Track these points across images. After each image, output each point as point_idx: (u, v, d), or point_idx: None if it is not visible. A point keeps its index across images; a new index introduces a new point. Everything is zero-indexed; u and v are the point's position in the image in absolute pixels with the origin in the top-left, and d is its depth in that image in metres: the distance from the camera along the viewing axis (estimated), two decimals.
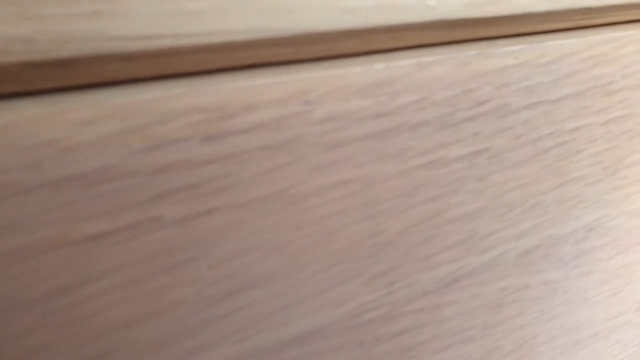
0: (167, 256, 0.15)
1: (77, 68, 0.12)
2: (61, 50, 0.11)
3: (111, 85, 0.13)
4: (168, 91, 0.13)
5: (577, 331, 0.26)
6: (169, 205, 0.14)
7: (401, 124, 0.17)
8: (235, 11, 0.13)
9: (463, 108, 0.17)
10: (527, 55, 0.18)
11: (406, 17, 0.15)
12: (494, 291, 0.22)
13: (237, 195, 0.15)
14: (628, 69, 0.21)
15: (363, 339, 0.19)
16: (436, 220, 0.19)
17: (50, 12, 0.11)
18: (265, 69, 0.15)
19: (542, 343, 0.25)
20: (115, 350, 0.15)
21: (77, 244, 0.14)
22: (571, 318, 0.26)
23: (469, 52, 0.17)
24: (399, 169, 0.17)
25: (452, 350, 0.22)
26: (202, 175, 0.14)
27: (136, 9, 0.12)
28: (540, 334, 0.25)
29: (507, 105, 0.18)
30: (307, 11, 0.14)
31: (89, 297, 0.15)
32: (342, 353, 0.19)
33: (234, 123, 0.14)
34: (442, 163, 0.18)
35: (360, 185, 0.17)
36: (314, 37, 0.15)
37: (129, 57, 0.12)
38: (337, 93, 0.15)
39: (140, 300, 0.15)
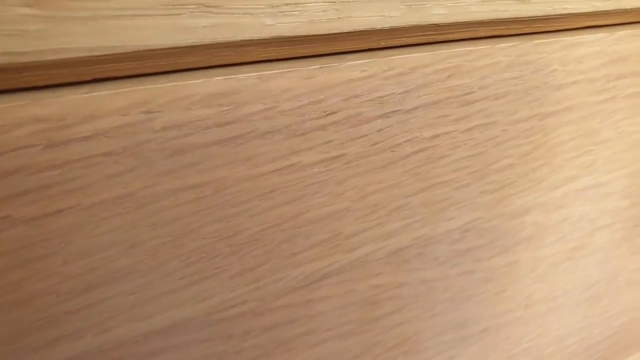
0: (20, 252, 0.16)
1: None
2: None
3: None
4: (9, 103, 0.15)
5: (463, 327, 0.28)
6: (17, 206, 0.16)
7: (249, 132, 0.18)
8: (70, 31, 0.15)
9: (312, 117, 0.19)
10: (375, 68, 0.20)
11: (244, 35, 0.17)
12: (367, 288, 0.23)
13: (86, 196, 0.16)
14: (485, 80, 0.22)
15: (231, 332, 0.21)
16: (297, 221, 0.20)
17: None
18: (107, 82, 0.16)
19: (428, 338, 0.27)
20: None
21: None
22: (456, 315, 0.27)
23: (312, 66, 0.18)
24: (250, 174, 0.19)
25: (329, 344, 0.23)
26: (48, 179, 0.16)
27: None
28: (424, 330, 0.26)
29: (359, 115, 0.20)
30: (140, 30, 0.15)
31: None
32: (210, 346, 0.20)
33: (75, 131, 0.16)
34: (296, 168, 0.19)
35: (211, 189, 0.18)
36: (153, 53, 0.16)
37: None
38: (178, 103, 0.17)
39: None
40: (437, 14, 0.20)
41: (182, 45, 0.16)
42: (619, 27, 0.25)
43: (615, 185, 0.29)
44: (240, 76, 0.17)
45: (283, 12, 0.17)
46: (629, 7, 0.24)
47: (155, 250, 0.18)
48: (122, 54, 0.16)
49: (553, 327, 0.32)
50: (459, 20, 0.21)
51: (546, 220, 0.28)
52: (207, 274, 0.19)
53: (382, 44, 0.20)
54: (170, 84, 0.16)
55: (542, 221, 0.28)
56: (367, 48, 0.20)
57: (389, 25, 0.19)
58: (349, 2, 0.18)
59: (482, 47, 0.22)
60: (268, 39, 0.17)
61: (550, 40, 0.23)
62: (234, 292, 0.20)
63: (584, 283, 0.32)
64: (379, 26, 0.19)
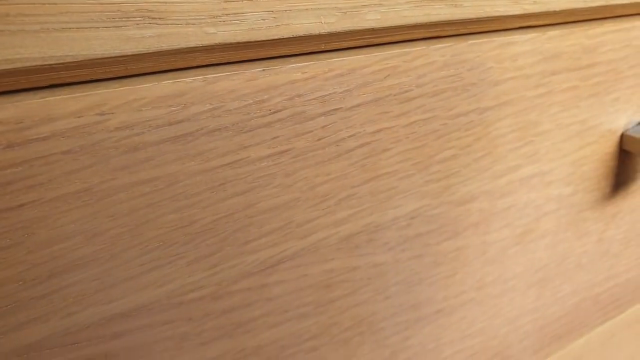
0: None
1: None
2: None
3: None
4: None
5: (417, 309, 0.30)
6: None
7: (198, 130, 0.20)
8: (22, 43, 0.16)
9: (258, 115, 0.21)
10: (316, 70, 0.21)
11: (188, 43, 0.19)
12: (320, 272, 0.25)
13: (47, 191, 0.18)
14: (422, 79, 0.24)
15: (191, 315, 0.22)
16: (249, 211, 0.22)
17: None
18: (62, 87, 0.18)
19: (383, 319, 0.29)
20: None
21: None
22: (409, 297, 0.29)
23: (255, 68, 0.20)
24: (201, 168, 0.20)
25: (287, 325, 0.25)
26: (9, 176, 0.17)
27: None
28: (378, 311, 0.28)
29: (303, 113, 0.22)
30: (88, 41, 0.17)
31: None
32: (172, 327, 0.22)
33: (33, 132, 0.17)
34: (246, 162, 0.21)
35: (165, 183, 0.20)
36: (103, 61, 0.18)
37: None
38: (130, 105, 0.18)
39: None
40: (371, 19, 0.22)
41: (130, 53, 0.18)
42: (550, 27, 0.27)
43: (558, 173, 0.31)
44: (187, 79, 0.19)
45: (224, 21, 0.19)
46: (558, 9, 0.26)
47: (115, 239, 0.20)
48: (74, 62, 0.17)
49: (506, 308, 0.34)
50: (394, 24, 0.22)
51: (492, 207, 0.30)
52: (165, 261, 0.21)
53: (323, 47, 0.22)
54: (122, 88, 0.18)
55: (488, 208, 0.30)
56: (308, 51, 0.22)
57: (326, 31, 0.21)
58: (286, 10, 0.20)
59: (417, 49, 0.23)
60: (212, 46, 0.19)
61: (484, 40, 0.25)
62: (192, 278, 0.22)
63: (534, 266, 0.34)
64: (316, 32, 0.21)
